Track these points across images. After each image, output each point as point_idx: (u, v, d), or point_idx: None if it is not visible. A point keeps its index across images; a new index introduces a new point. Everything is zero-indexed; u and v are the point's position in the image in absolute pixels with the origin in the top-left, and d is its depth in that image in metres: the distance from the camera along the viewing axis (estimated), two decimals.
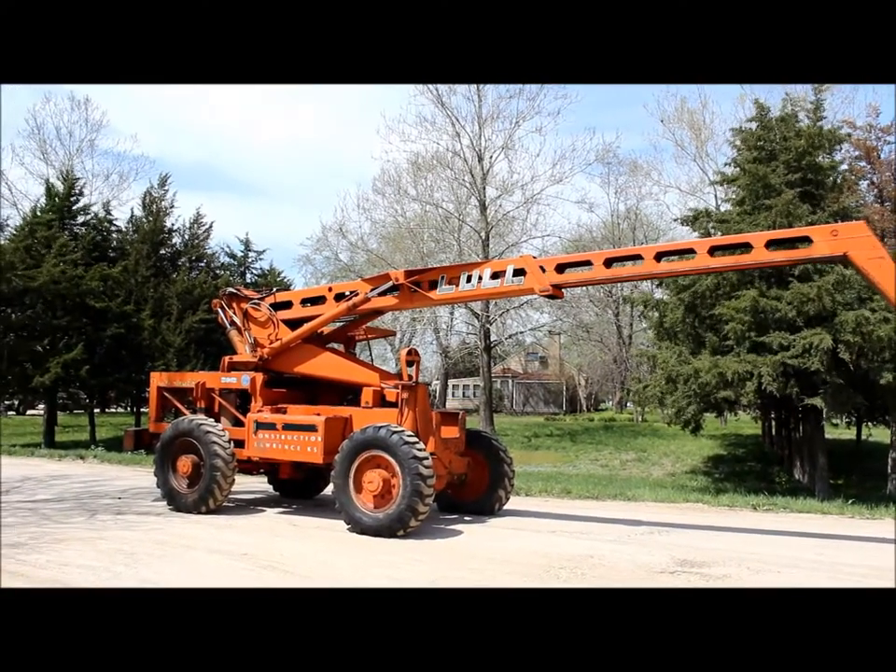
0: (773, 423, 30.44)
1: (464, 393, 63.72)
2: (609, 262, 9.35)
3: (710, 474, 24.11)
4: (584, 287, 44.10)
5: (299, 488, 12.23)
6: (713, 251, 8.85)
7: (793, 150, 20.14)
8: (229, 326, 11.90)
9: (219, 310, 12.05)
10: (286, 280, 41.53)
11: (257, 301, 11.71)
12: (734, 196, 23.11)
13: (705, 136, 43.94)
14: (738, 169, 21.55)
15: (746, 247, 8.90)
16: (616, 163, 45.38)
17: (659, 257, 9.11)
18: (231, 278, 36.95)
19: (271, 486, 12.73)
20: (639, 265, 9.35)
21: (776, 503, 12.02)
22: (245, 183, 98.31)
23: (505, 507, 11.04)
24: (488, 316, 33.50)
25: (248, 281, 39.73)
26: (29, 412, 47.64)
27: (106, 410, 46.67)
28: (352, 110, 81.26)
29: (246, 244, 41.89)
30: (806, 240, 8.47)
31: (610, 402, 66.30)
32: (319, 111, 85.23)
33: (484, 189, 34.03)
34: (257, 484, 13.30)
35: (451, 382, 63.44)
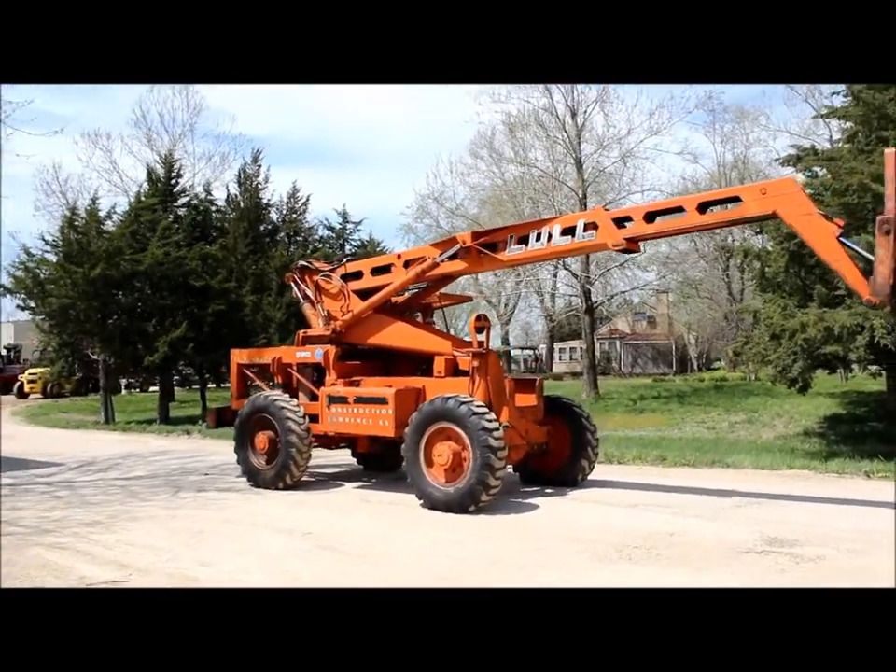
0: None
1: (571, 356, 62.55)
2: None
3: (825, 436, 22.52)
4: (693, 242, 42.39)
5: (379, 461, 12.03)
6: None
7: None
8: (302, 300, 11.77)
9: (293, 284, 11.92)
10: (386, 250, 41.59)
11: (327, 272, 11.47)
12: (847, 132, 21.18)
13: None
14: (850, 98, 19.61)
15: (679, 210, 8.62)
16: (721, 110, 43.10)
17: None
18: (331, 251, 37.20)
19: (354, 460, 12.60)
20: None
21: (893, 470, 10.91)
22: (343, 155, 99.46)
23: (591, 476, 10.47)
24: (587, 277, 32.43)
25: (348, 252, 39.96)
26: (152, 388, 49.96)
27: (222, 385, 48.33)
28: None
29: (344, 215, 41.93)
30: (737, 199, 8.23)
31: (723, 361, 63.81)
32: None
33: (580, 145, 32.75)
34: (340, 458, 13.22)
35: (557, 345, 62.58)
